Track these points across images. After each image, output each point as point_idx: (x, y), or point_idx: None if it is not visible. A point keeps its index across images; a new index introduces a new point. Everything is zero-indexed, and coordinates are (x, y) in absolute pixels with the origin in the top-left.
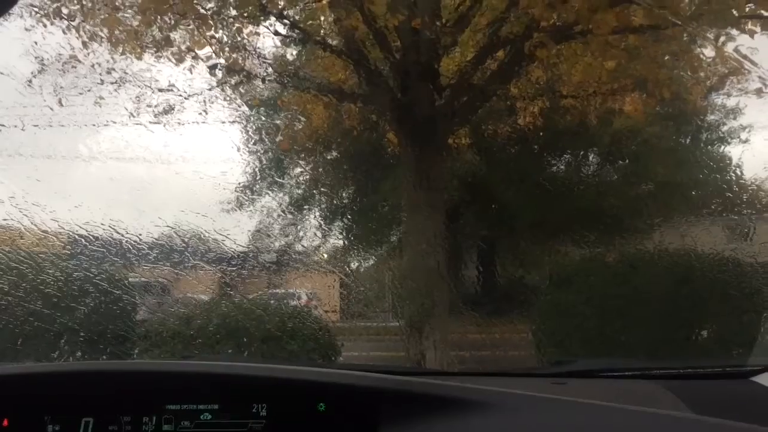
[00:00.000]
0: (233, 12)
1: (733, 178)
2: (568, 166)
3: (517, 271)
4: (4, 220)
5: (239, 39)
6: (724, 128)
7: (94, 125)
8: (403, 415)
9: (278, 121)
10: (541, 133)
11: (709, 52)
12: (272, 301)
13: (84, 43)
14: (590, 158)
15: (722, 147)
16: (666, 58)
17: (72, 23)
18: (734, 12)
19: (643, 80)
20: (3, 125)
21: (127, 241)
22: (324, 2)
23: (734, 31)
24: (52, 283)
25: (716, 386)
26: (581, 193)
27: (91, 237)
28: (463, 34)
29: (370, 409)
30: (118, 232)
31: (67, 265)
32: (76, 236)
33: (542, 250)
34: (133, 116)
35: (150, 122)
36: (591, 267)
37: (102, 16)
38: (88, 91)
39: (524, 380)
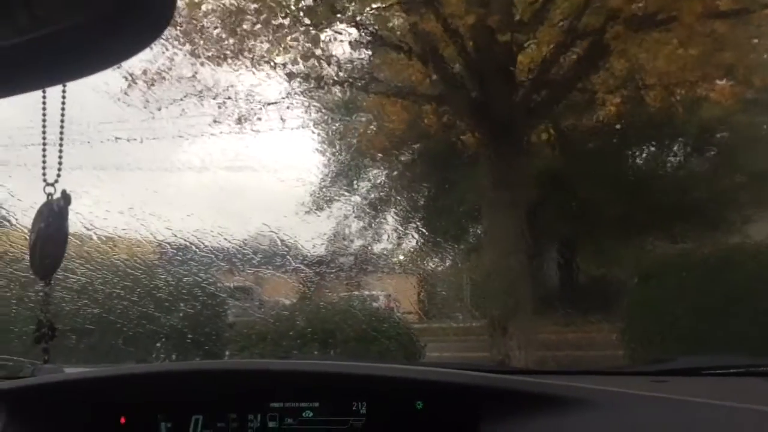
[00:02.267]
0: (308, 21)
1: None
2: (653, 158)
3: (600, 269)
4: (123, 229)
5: (317, 47)
6: None
7: (211, 135)
8: (503, 413)
9: (373, 126)
10: (623, 126)
11: None
12: (355, 303)
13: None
14: (676, 149)
15: None
16: (755, 42)
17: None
18: None
19: (732, 67)
20: (124, 139)
21: (232, 247)
22: (397, 5)
23: None
24: (163, 287)
25: None
26: (667, 186)
27: (190, 244)
28: (539, 29)
29: (468, 407)
30: (225, 239)
31: (178, 271)
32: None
33: (626, 247)
34: (227, 126)
35: (253, 130)
36: (682, 263)
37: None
38: (201, 104)
39: (622, 378)
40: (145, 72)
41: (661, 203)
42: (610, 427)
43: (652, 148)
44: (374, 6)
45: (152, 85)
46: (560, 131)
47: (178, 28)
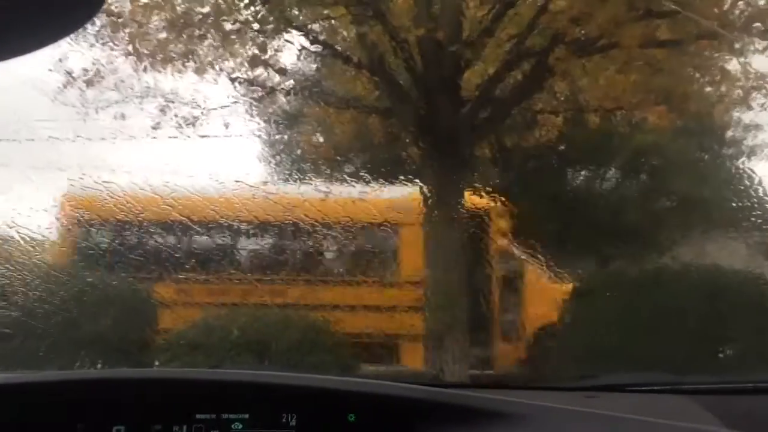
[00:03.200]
0: (257, 27)
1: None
2: (589, 180)
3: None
4: (47, 229)
5: (265, 54)
6: (749, 143)
7: (150, 137)
8: (436, 426)
9: (318, 135)
10: (562, 147)
11: (734, 65)
12: (292, 313)
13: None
14: (612, 172)
15: (747, 162)
16: (690, 71)
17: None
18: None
19: (668, 94)
20: (56, 137)
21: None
22: (346, 16)
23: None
24: (90, 291)
25: (748, 401)
26: (602, 208)
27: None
28: (486, 47)
29: (401, 420)
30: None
31: (107, 274)
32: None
33: (561, 265)
34: (156, 129)
35: (196, 135)
36: (611, 282)
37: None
38: (141, 107)
39: (554, 394)
40: (85, 71)
41: (595, 223)
42: None
43: (590, 171)
44: (324, 14)
45: (91, 85)
46: (503, 148)
47: (124, 30)
